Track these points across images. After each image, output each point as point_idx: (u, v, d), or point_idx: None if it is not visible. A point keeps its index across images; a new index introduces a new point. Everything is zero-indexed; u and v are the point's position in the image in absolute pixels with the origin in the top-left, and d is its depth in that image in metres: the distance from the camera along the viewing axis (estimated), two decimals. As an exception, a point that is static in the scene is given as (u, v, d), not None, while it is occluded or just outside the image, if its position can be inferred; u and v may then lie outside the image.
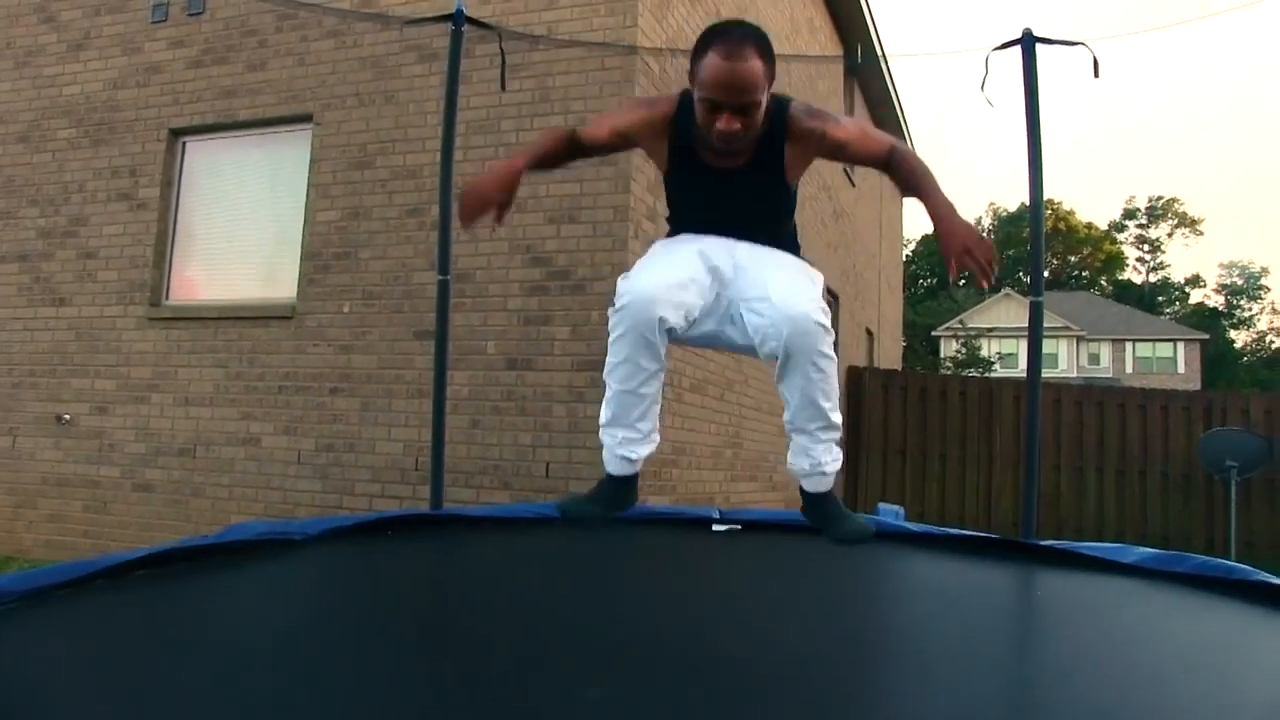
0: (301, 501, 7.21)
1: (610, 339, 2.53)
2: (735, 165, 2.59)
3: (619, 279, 2.56)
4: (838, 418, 2.63)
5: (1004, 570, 4.51)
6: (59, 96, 8.60)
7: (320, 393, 7.32)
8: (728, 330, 2.64)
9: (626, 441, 2.61)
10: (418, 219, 7.17)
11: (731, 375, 8.52)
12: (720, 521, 5.20)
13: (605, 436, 2.64)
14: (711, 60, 2.39)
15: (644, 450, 2.63)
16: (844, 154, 2.70)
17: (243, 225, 8.09)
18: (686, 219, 2.76)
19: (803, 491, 2.71)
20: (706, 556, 4.37)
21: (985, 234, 66.66)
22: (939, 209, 2.45)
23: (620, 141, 2.73)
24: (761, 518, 5.51)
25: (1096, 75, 5.15)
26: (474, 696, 2.32)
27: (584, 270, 6.72)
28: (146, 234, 8.11)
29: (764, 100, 2.46)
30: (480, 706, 2.27)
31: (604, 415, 2.64)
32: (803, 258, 2.78)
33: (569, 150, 2.71)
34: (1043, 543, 4.89)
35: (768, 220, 2.72)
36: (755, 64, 2.39)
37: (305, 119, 7.74)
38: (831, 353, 2.52)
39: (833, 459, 2.66)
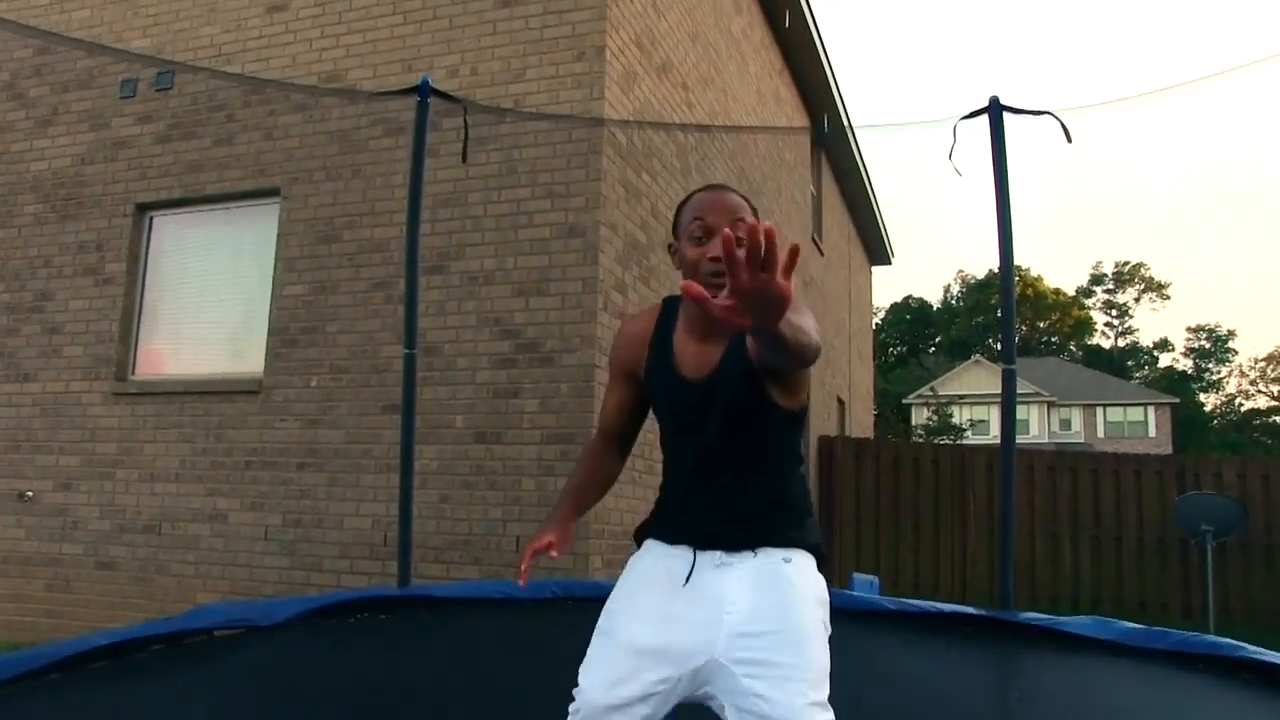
0: (268, 578, 7.09)
1: None
2: (711, 364, 2.27)
3: (580, 668, 2.23)
4: None
5: (984, 650, 4.45)
6: (26, 172, 8.57)
7: (287, 468, 7.23)
8: (715, 709, 2.24)
9: None
10: (385, 293, 7.15)
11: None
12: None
13: None
14: (695, 197, 2.32)
15: None
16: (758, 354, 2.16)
17: (210, 299, 8.04)
18: (672, 474, 2.40)
19: None
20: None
21: (955, 300, 67.00)
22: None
23: (629, 388, 2.45)
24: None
25: (1069, 140, 5.21)
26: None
27: (553, 342, 6.70)
28: (113, 309, 8.04)
29: None
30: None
31: None
32: (815, 544, 2.34)
33: (605, 449, 2.46)
34: (1021, 616, 4.85)
35: (763, 466, 2.34)
36: (739, 197, 2.30)
37: (272, 193, 7.73)
38: None
39: None
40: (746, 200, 2.30)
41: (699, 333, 2.30)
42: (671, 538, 2.32)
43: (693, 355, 2.30)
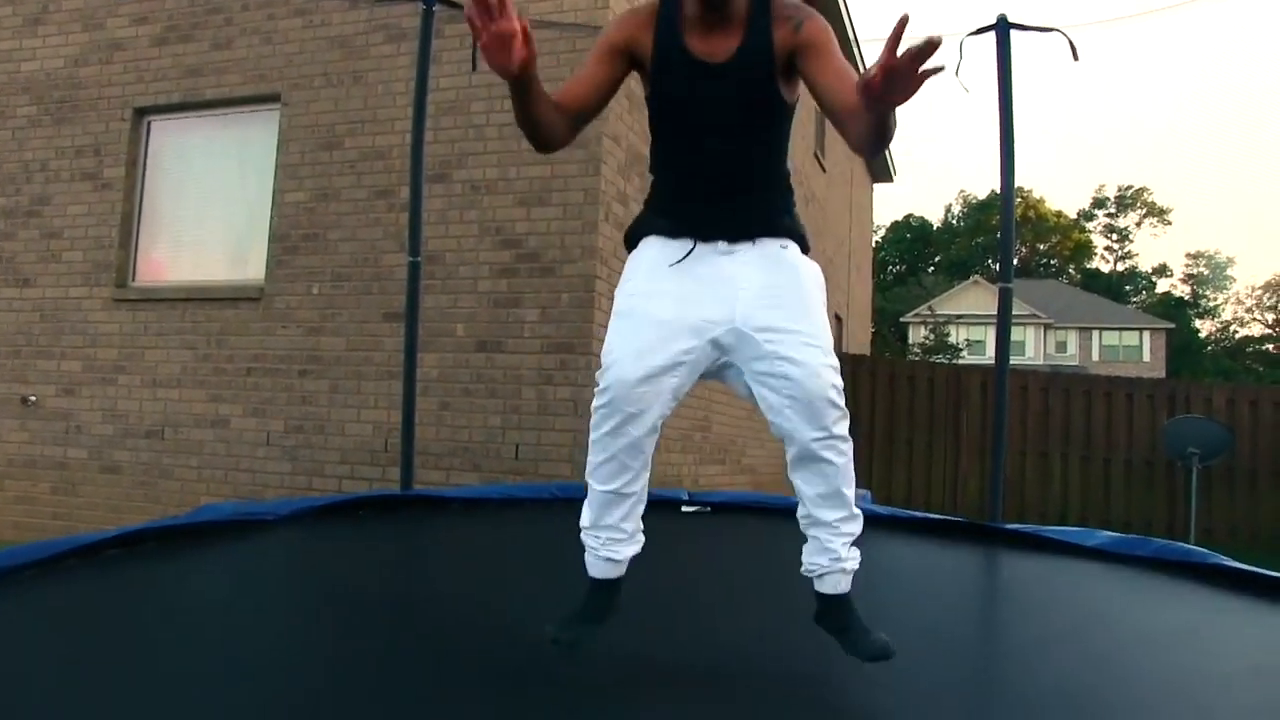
0: (270, 483, 7.19)
1: (592, 435, 2.28)
2: (725, 52, 2.30)
3: (603, 354, 2.27)
4: (858, 510, 2.30)
5: (970, 553, 4.57)
6: (17, 72, 8.47)
7: (289, 375, 7.29)
8: (731, 383, 2.37)
9: (610, 542, 2.34)
10: (387, 201, 7.14)
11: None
12: (689, 503, 5.25)
13: (588, 539, 2.37)
14: None
15: (629, 550, 2.36)
16: (812, 65, 2.27)
17: (210, 206, 8.03)
18: (672, 169, 2.45)
19: (818, 594, 2.32)
20: (675, 537, 4.40)
21: (956, 220, 66.64)
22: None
23: (613, 68, 2.37)
24: (729, 499, 5.57)
25: (1076, 58, 5.18)
26: (441, 676, 2.34)
27: (554, 253, 6.71)
28: (112, 214, 8.03)
29: None
30: (446, 684, 2.29)
31: (585, 517, 2.37)
32: (803, 234, 2.44)
33: (557, 109, 2.29)
34: (1007, 526, 4.96)
35: (765, 159, 2.41)
36: None
37: (273, 99, 7.67)
38: (847, 434, 2.23)
39: (854, 556, 2.29)
40: None
41: (703, 25, 2.33)
42: (672, 229, 2.39)
43: (702, 43, 2.32)
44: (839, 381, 2.18)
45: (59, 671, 2.25)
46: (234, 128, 7.96)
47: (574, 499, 4.92)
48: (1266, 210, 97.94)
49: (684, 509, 5.15)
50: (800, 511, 2.30)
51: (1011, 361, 5.40)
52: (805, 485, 2.25)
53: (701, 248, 2.34)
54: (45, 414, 7.99)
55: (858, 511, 2.29)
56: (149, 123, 8.20)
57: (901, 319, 46.70)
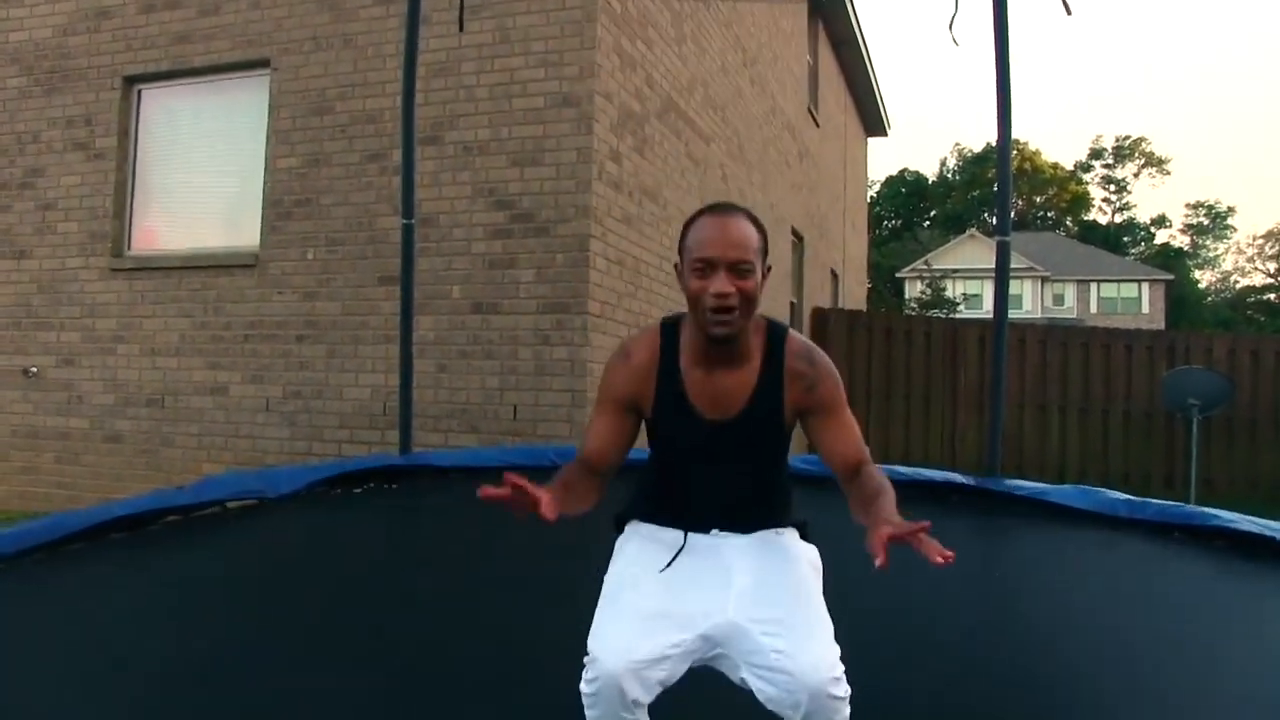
0: (270, 449, 7.22)
1: (585, 708, 2.13)
2: (733, 406, 2.26)
3: (589, 639, 2.13)
4: None
5: (970, 518, 4.58)
6: (5, 43, 8.43)
7: (286, 340, 7.30)
8: (725, 672, 2.22)
9: None
10: (379, 164, 7.13)
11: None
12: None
13: None
14: (701, 221, 2.18)
15: None
16: (817, 422, 2.27)
17: (203, 173, 8.01)
18: (669, 478, 2.39)
19: None
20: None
21: (951, 174, 66.29)
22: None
23: (625, 421, 2.31)
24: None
25: (1069, 13, 5.15)
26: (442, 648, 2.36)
27: (548, 213, 6.71)
28: (105, 184, 8.01)
29: (759, 271, 2.16)
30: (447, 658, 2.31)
31: None
32: (802, 522, 2.41)
33: (584, 478, 2.22)
34: (1006, 482, 4.97)
35: (768, 471, 2.38)
36: (747, 225, 2.17)
37: (262, 64, 7.63)
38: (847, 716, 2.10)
39: None
40: (754, 222, 2.18)
41: (706, 362, 2.25)
42: (665, 523, 2.35)
43: (705, 388, 2.27)
44: (840, 670, 2.06)
45: (64, 653, 2.27)
46: (224, 94, 7.93)
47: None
48: (1267, 159, 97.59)
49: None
50: None
51: (1009, 315, 5.39)
52: None
53: (693, 537, 2.30)
54: (46, 385, 8.01)
55: None
56: (139, 91, 8.16)
57: (898, 274, 46.60)
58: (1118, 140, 69.19)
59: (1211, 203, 67.62)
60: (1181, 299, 54.78)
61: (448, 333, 6.86)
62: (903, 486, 4.85)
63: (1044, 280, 49.46)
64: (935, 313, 23.95)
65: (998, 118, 5.19)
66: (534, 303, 6.68)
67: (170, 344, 7.64)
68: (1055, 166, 67.36)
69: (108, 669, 2.15)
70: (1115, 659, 2.49)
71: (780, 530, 2.35)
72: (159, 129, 8.14)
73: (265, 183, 7.54)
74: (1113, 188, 69.31)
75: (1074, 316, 46.07)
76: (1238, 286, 65.30)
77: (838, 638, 2.07)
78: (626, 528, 2.40)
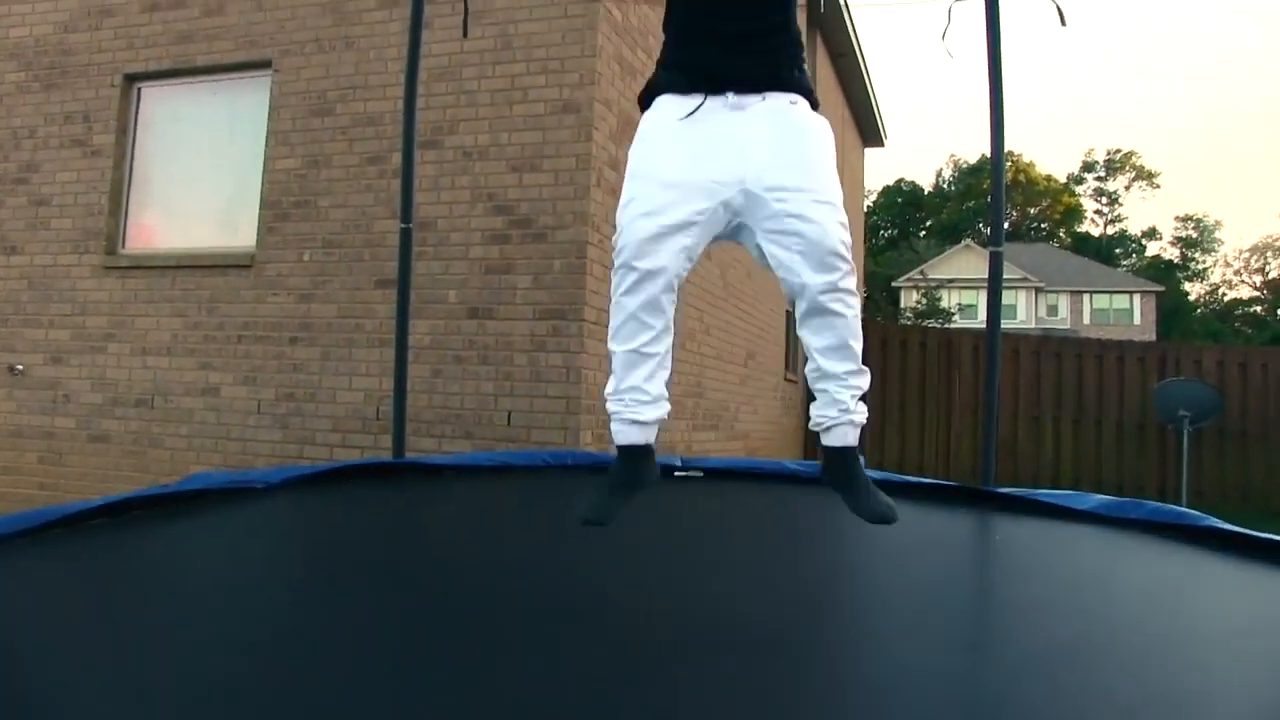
0: (261, 452, 7.18)
1: (612, 300, 2.35)
2: None
3: (617, 214, 2.32)
4: (865, 367, 2.38)
5: (963, 517, 4.58)
6: (5, 38, 8.38)
7: (280, 342, 7.27)
8: (744, 243, 2.41)
9: (635, 404, 2.36)
10: (378, 167, 7.10)
11: (693, 324, 8.54)
12: (681, 469, 5.25)
13: (612, 405, 2.40)
14: None
15: (654, 412, 2.38)
16: None
17: (200, 173, 7.97)
18: (684, 7, 2.46)
19: (825, 448, 2.40)
20: (667, 503, 4.41)
21: (947, 185, 66.47)
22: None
23: None
24: (721, 465, 5.58)
25: (1063, 24, 5.13)
26: (433, 645, 2.34)
27: (546, 219, 6.69)
28: (101, 181, 7.97)
29: None
30: (439, 652, 2.29)
31: (609, 386, 2.42)
32: (812, 90, 2.48)
33: None
34: (1000, 489, 4.97)
35: (774, 24, 2.43)
36: None
37: (264, 65, 7.61)
38: (855, 289, 2.31)
39: (861, 410, 2.37)
40: None
41: None
42: (681, 83, 2.41)
43: None
44: (848, 238, 2.24)
45: (50, 642, 2.25)
46: (225, 94, 7.89)
47: (565, 465, 4.93)
48: (1253, 173, 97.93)
49: (676, 474, 5.16)
50: (809, 367, 2.37)
51: (1003, 325, 5.40)
52: (814, 338, 2.32)
53: (711, 102, 2.35)
54: (33, 383, 7.95)
55: (865, 367, 2.35)
56: (139, 89, 8.12)
57: (893, 283, 46.67)
58: (1109, 153, 69.49)
59: (1200, 215, 67.76)
60: (1173, 310, 54.94)
61: (443, 337, 6.84)
62: (897, 487, 4.86)
63: (1038, 291, 49.62)
64: (930, 322, 24.00)
65: (991, 130, 5.17)
66: (530, 309, 6.66)
67: (162, 343, 7.59)
68: (1049, 178, 67.57)
69: (90, 652, 2.13)
70: (1105, 642, 2.49)
71: (794, 100, 2.42)
72: (158, 127, 8.10)
73: (263, 183, 7.50)
74: (1104, 200, 69.57)
75: (1068, 327, 46.22)
76: (1225, 299, 65.51)
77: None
78: (648, 111, 2.48)
